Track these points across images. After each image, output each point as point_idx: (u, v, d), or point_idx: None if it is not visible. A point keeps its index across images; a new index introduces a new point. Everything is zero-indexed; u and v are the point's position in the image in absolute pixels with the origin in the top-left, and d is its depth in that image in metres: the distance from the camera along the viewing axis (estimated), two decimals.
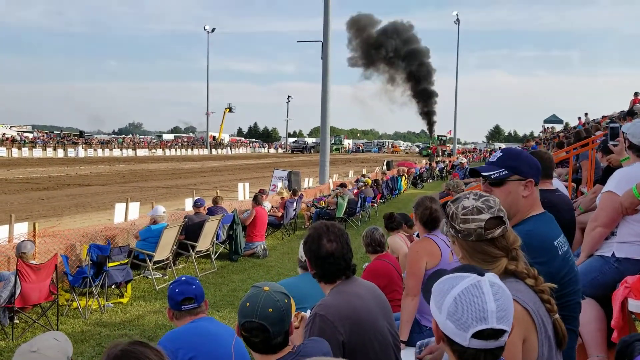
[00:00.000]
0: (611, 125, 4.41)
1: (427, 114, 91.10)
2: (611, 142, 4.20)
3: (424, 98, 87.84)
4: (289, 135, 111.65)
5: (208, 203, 11.20)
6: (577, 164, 7.70)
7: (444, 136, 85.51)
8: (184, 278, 3.28)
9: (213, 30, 74.66)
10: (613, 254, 3.17)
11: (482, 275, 1.47)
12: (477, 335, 1.40)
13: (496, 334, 1.41)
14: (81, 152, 56.37)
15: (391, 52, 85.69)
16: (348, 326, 2.48)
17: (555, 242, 2.18)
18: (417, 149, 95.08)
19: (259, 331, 2.11)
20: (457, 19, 60.74)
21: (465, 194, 1.94)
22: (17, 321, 6.45)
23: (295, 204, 13.48)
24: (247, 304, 2.15)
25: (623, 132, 3.56)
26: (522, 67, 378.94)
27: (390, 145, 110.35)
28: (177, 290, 3.16)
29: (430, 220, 3.96)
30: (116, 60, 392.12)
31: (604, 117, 21.75)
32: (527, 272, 1.86)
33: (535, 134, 71.75)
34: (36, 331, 6.37)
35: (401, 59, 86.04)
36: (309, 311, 2.68)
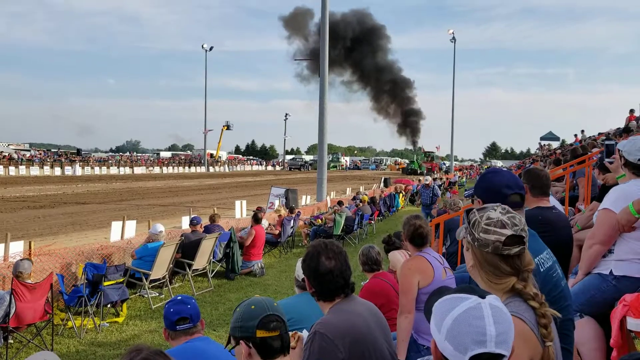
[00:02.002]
0: (607, 142, 4.43)
1: (407, 122, 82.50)
2: (607, 160, 4.21)
3: (398, 102, 78.74)
4: (287, 152, 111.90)
5: (205, 221, 11.17)
6: (574, 181, 7.71)
7: (432, 152, 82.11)
8: (179, 297, 3.26)
9: (211, 48, 75.08)
10: (611, 272, 3.16)
11: (484, 297, 1.46)
12: (475, 358, 1.38)
13: (494, 358, 1.39)
14: (78, 170, 56.27)
15: (343, 48, 73.78)
16: (348, 344, 2.47)
17: (536, 259, 2.17)
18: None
19: (278, 323, 2.13)
20: (453, 37, 61.34)
21: (493, 206, 1.92)
22: (12, 341, 6.38)
23: (292, 221, 13.45)
24: (252, 307, 2.15)
25: (619, 150, 3.57)
26: (518, 85, 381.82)
27: (394, 163, 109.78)
28: (172, 309, 3.13)
29: (417, 235, 3.95)
30: (115, 78, 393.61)
31: (600, 134, 21.87)
32: (533, 295, 1.84)
33: (532, 151, 71.99)
34: (30, 351, 6.30)
35: (357, 56, 74.45)
36: (305, 331, 2.66)
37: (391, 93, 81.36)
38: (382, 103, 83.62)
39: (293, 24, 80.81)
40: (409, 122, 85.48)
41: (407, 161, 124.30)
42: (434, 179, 38.89)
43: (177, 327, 3.10)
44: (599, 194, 4.90)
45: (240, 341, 2.15)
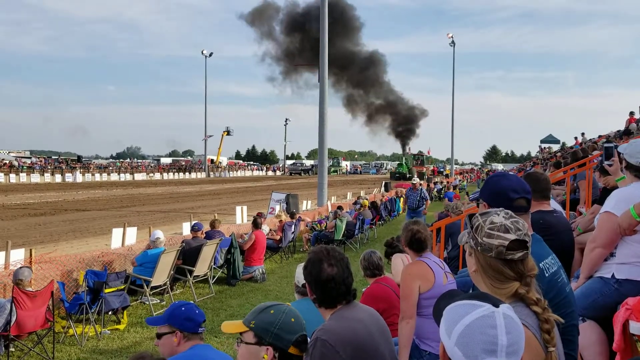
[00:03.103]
0: (606, 145, 4.41)
1: (399, 124, 72.97)
2: (606, 162, 4.19)
3: (370, 89, 68.64)
4: (287, 157, 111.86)
5: (206, 227, 11.16)
6: (575, 184, 7.70)
7: (422, 154, 75.30)
8: (188, 302, 3.28)
9: (211, 54, 75.17)
10: (613, 275, 3.14)
11: (497, 306, 1.45)
12: None
13: None
14: (79, 177, 56.33)
15: (310, 42, 61.31)
16: (350, 352, 2.44)
17: (540, 264, 2.16)
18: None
19: (304, 344, 2.14)
20: (453, 41, 61.36)
21: (496, 211, 1.92)
22: (13, 349, 6.36)
23: (293, 226, 13.43)
24: (292, 319, 2.15)
25: (619, 152, 3.56)
26: (518, 88, 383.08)
27: None
28: (197, 311, 3.13)
29: (415, 240, 3.95)
30: (114, 85, 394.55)
31: (600, 136, 21.87)
32: (536, 300, 1.84)
33: (533, 154, 71.75)
34: (31, 359, 6.29)
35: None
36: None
37: (362, 81, 69.94)
38: (355, 95, 72.80)
39: (259, 22, 72.29)
40: (406, 129, 75.43)
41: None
42: (435, 183, 38.84)
43: (200, 329, 3.10)
44: (600, 196, 4.88)
45: (268, 347, 2.14)
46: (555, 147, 40.76)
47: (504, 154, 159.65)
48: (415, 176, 50.54)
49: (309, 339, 2.20)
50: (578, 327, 2.29)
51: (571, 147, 25.69)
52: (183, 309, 3.15)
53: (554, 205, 3.84)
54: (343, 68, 68.47)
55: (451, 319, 1.45)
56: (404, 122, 75.39)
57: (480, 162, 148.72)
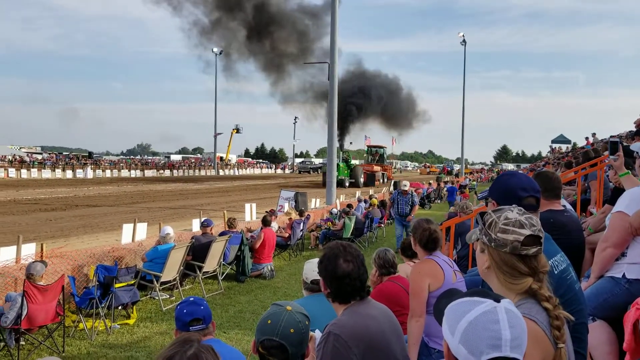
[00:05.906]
0: (611, 139, 4.37)
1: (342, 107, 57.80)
2: (611, 157, 4.16)
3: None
4: (296, 155, 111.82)
5: (217, 224, 11.16)
6: (586, 184, 7.65)
7: (380, 147, 59.58)
8: (192, 299, 3.26)
9: (221, 52, 75.13)
10: (624, 275, 3.13)
11: (498, 301, 1.46)
12: None
13: None
14: (89, 173, 56.66)
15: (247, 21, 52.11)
16: (362, 347, 2.45)
17: (550, 262, 2.17)
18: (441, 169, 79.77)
19: (278, 350, 2.12)
20: (464, 40, 60.92)
21: (510, 207, 1.93)
22: (23, 343, 6.42)
23: (302, 224, 13.45)
24: (269, 322, 2.16)
25: (633, 151, 3.54)
26: (526, 88, 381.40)
27: (423, 166, 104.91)
28: (185, 311, 3.13)
29: (431, 240, 3.94)
30: (122, 82, 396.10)
31: (612, 136, 21.68)
32: (547, 297, 1.84)
33: (544, 154, 71.30)
34: (42, 353, 6.35)
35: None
36: (317, 331, 2.66)
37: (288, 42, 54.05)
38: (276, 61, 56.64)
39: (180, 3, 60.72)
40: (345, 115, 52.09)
41: (439, 165, 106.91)
42: (445, 182, 38.59)
43: (190, 328, 3.10)
44: (611, 196, 4.86)
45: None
46: (566, 147, 40.55)
47: (514, 154, 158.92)
48: (361, 179, 42.93)
49: (287, 347, 2.14)
50: (587, 325, 2.28)
51: (582, 147, 25.54)
52: (178, 307, 3.18)
53: (564, 203, 3.82)
54: (268, 34, 54.54)
55: (453, 317, 1.46)
56: (346, 103, 52.59)
57: (491, 161, 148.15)
